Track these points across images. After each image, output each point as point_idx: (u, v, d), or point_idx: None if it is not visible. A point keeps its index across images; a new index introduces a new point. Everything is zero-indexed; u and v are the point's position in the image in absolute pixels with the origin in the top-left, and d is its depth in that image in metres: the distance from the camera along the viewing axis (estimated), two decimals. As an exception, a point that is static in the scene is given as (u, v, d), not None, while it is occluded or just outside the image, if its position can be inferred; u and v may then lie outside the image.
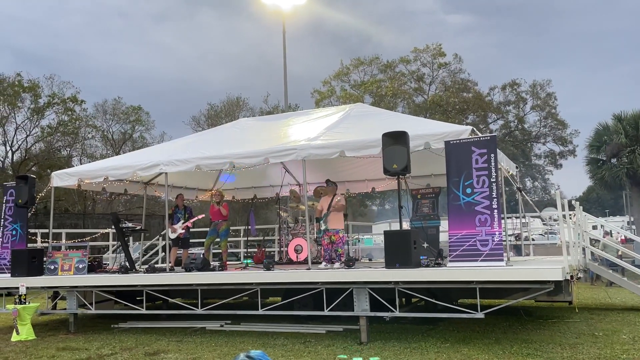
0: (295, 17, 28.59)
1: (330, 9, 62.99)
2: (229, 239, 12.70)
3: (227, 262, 11.76)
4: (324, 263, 9.69)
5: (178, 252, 12.29)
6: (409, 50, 41.81)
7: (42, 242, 14.10)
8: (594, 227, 22.35)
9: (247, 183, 15.01)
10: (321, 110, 13.97)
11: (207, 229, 16.14)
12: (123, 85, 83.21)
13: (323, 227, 9.87)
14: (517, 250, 16.65)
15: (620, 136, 30.44)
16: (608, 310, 10.88)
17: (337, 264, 9.50)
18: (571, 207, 11.18)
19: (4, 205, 11.52)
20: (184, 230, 11.83)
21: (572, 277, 8.28)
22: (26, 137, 35.14)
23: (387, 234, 8.66)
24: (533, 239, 17.03)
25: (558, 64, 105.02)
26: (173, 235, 11.69)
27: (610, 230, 21.65)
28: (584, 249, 11.25)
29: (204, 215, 12.67)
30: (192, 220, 11.94)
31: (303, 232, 11.94)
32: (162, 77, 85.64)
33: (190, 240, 13.29)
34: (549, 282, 7.39)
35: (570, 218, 10.54)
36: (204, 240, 17.80)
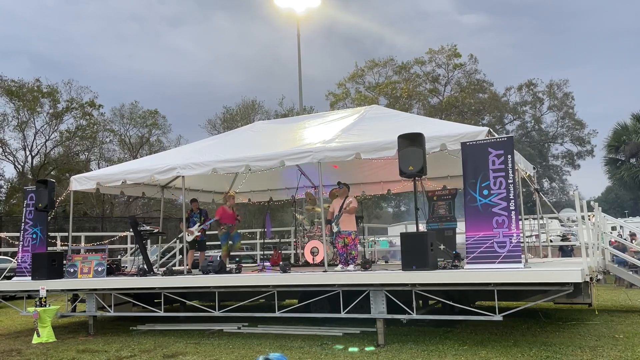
0: (309, 20, 28.61)
1: (343, 11, 62.96)
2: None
3: (243, 265, 11.83)
4: (340, 266, 9.70)
5: (195, 254, 12.38)
6: (423, 51, 41.84)
7: (61, 245, 14.31)
8: (613, 228, 22.04)
9: (263, 186, 15.06)
10: (336, 113, 13.97)
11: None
12: (139, 89, 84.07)
13: (335, 230, 9.84)
14: (564, 252, 16.41)
15: (639, 136, 30.02)
16: (629, 312, 10.74)
17: (351, 266, 9.51)
18: (590, 208, 11.06)
19: (24, 209, 11.68)
20: (200, 233, 11.92)
21: (591, 278, 8.18)
22: (45, 142, 35.73)
23: (403, 236, 8.64)
24: (551, 241, 16.85)
25: (575, 63, 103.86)
26: (190, 238, 11.79)
27: (630, 232, 21.27)
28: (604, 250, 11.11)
29: (218, 218, 12.73)
30: (207, 223, 12.01)
31: (319, 235, 11.95)
32: (178, 80, 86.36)
33: (207, 243, 13.36)
34: (568, 284, 7.32)
35: (589, 219, 10.42)
36: (220, 242, 17.95)
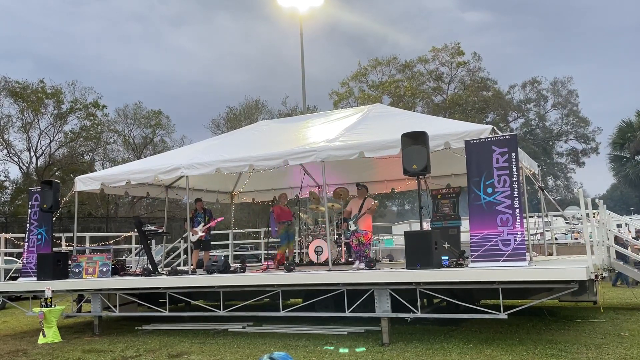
0: (312, 19, 28.60)
1: (346, 9, 63.01)
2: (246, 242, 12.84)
3: (247, 264, 11.84)
4: (356, 263, 9.94)
5: (200, 254, 12.39)
6: (425, 49, 41.80)
7: (66, 245, 14.32)
8: (619, 226, 21.93)
9: (267, 185, 15.07)
10: (340, 112, 13.96)
11: (228, 232, 16.30)
12: (142, 90, 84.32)
13: (352, 228, 10.16)
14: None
15: (644, 133, 29.88)
16: (634, 310, 10.70)
17: (360, 264, 9.67)
18: (595, 206, 11.01)
19: (29, 210, 11.72)
20: (204, 233, 11.92)
21: (596, 276, 8.15)
22: (50, 143, 35.80)
23: (407, 234, 8.63)
24: (556, 239, 16.79)
25: (579, 60, 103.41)
26: (194, 238, 11.79)
27: (636, 229, 21.15)
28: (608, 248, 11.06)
29: (222, 218, 12.74)
30: (211, 224, 12.00)
31: (323, 234, 11.95)
32: (181, 80, 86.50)
33: (212, 243, 13.37)
34: (573, 281, 7.30)
35: (594, 217, 10.39)
36: (225, 242, 17.96)
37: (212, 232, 12.72)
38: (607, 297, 12.45)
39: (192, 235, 11.71)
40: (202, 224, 11.83)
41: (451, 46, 37.40)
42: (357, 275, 8.68)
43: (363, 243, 10.13)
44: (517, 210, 7.73)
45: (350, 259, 11.95)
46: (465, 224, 10.01)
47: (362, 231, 10.12)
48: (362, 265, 9.62)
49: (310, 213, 13.70)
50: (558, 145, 42.10)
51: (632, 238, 16.45)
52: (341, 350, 7.63)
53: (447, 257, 8.55)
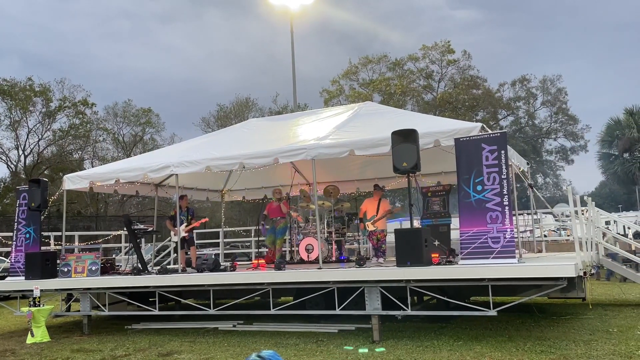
0: (302, 16, 28.59)
1: (337, 7, 62.94)
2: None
3: (237, 263, 11.77)
4: (374, 259, 10.83)
5: (187, 253, 12.31)
6: (416, 47, 41.86)
7: (55, 244, 14.24)
8: (607, 223, 22.11)
9: (257, 183, 15.04)
10: (330, 110, 13.96)
11: (219, 230, 16.25)
12: (132, 87, 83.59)
13: (371, 229, 11.02)
14: None
15: (632, 130, 30.21)
16: (622, 306, 10.79)
17: (381, 259, 10.62)
18: (583, 203, 11.09)
19: (17, 208, 11.62)
20: (186, 234, 11.78)
21: (585, 273, 8.21)
22: (38, 141, 35.55)
23: (398, 232, 8.64)
24: (545, 236, 16.89)
25: (569, 58, 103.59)
26: (176, 238, 11.68)
27: (625, 226, 21.30)
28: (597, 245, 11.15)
29: (207, 219, 12.68)
30: (194, 225, 11.88)
31: (314, 232, 11.95)
32: (171, 78, 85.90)
33: (203, 241, 13.30)
34: (562, 278, 7.35)
35: (583, 214, 10.46)
36: (215, 240, 17.93)
37: (202, 230, 12.65)
38: (595, 293, 12.55)
39: (174, 235, 11.63)
40: (185, 224, 11.67)
41: (441, 44, 37.52)
42: (348, 273, 8.68)
43: (379, 240, 11.07)
44: (507, 207, 7.76)
45: (341, 257, 11.98)
46: (455, 222, 10.04)
47: (379, 230, 11.05)
48: (382, 260, 10.63)
49: (301, 211, 13.68)
50: (547, 143, 42.41)
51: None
52: (360, 350, 7.60)
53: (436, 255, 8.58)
